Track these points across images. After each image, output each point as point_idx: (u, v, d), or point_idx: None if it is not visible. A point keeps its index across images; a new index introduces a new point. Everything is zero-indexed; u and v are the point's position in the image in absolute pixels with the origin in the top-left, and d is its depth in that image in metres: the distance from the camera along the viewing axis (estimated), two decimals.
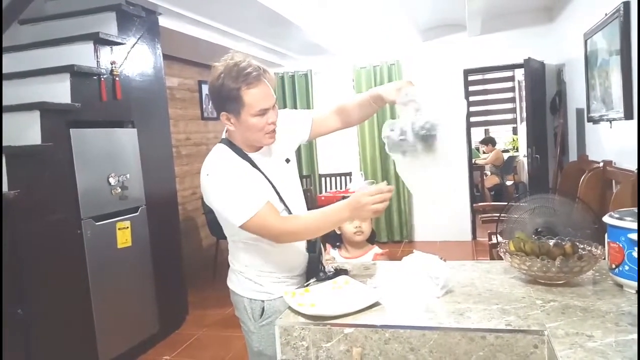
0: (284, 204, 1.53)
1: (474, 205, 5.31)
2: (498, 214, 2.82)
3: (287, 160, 1.62)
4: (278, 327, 1.22)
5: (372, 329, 1.13)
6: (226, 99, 1.41)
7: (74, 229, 2.69)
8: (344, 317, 1.19)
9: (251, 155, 1.52)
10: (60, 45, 2.96)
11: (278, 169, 1.57)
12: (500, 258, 1.45)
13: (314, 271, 1.57)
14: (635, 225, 1.18)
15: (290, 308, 1.28)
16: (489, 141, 8.18)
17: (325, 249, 1.95)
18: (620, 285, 1.24)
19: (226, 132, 1.56)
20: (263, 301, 1.56)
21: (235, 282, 1.61)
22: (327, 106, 1.70)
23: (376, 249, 2.04)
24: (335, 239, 2.04)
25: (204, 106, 5.35)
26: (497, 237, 2.94)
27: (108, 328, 2.84)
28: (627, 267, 1.20)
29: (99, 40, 2.93)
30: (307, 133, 1.68)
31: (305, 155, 5.95)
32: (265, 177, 1.51)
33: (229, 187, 1.43)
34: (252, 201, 1.40)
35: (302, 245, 1.59)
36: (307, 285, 1.46)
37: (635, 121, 2.77)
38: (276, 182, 1.53)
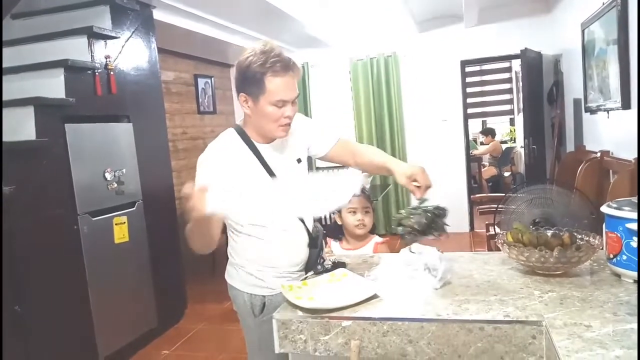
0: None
1: (472, 196, 5.31)
2: (495, 205, 2.82)
3: (299, 160, 1.61)
4: (276, 320, 1.21)
5: (370, 321, 1.13)
6: (249, 81, 1.41)
7: (71, 224, 2.68)
8: (343, 309, 1.19)
9: (260, 146, 1.51)
10: (54, 40, 2.93)
11: (286, 165, 1.55)
12: (498, 249, 1.45)
13: (313, 266, 1.56)
14: (633, 215, 1.17)
15: (288, 302, 1.27)
16: (488, 132, 8.17)
17: (326, 243, 1.95)
18: (618, 275, 1.24)
19: (242, 119, 1.56)
20: (264, 296, 1.54)
21: (234, 276, 1.59)
22: (358, 143, 1.75)
23: (376, 239, 2.07)
24: (336, 231, 2.05)
25: (200, 100, 5.32)
26: (494, 229, 2.94)
27: (106, 323, 2.84)
28: (624, 257, 1.19)
29: (93, 34, 2.90)
30: (327, 148, 1.67)
31: None
32: (269, 169, 1.49)
33: (202, 174, 1.45)
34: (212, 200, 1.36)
35: (304, 240, 1.58)
36: (304, 279, 1.46)
37: (633, 111, 2.77)
38: (279, 174, 1.51)
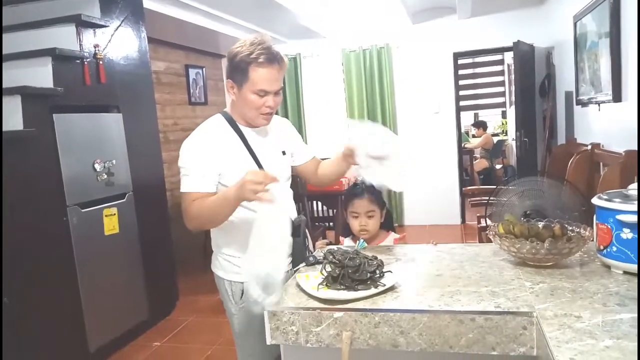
0: None
1: (463, 189, 5.33)
2: (487, 198, 2.83)
3: (284, 153, 1.69)
4: (267, 312, 1.21)
5: (362, 312, 1.13)
6: (235, 69, 1.50)
7: (60, 216, 2.64)
8: (359, 300, 1.17)
9: (244, 128, 1.59)
10: (41, 28, 2.87)
11: (269, 151, 1.63)
12: (490, 241, 1.46)
13: (300, 255, 1.58)
14: (623, 207, 1.18)
15: (303, 291, 1.26)
16: (480, 125, 8.20)
17: (338, 240, 1.95)
18: (608, 266, 1.25)
19: (230, 105, 1.64)
20: (242, 283, 1.59)
21: (217, 264, 1.66)
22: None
23: (393, 235, 1.90)
24: (346, 230, 1.94)
25: (192, 91, 5.27)
26: (486, 221, 2.95)
27: (97, 315, 2.82)
28: (614, 249, 1.20)
29: (81, 23, 2.85)
30: (302, 161, 1.79)
31: None
32: (252, 152, 1.57)
33: (191, 155, 1.52)
34: (196, 180, 1.50)
35: (285, 229, 1.62)
36: (296, 270, 1.45)
37: (623, 103, 2.78)
38: (263, 160, 1.58)
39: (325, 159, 1.83)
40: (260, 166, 1.56)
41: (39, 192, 2.53)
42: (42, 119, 2.58)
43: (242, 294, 1.59)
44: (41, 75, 2.66)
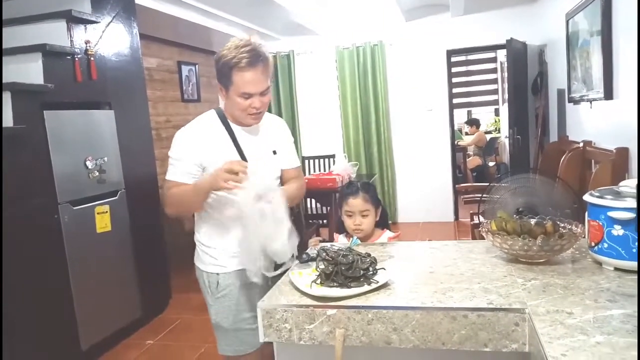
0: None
1: (457, 186, 5.35)
2: (480, 195, 2.84)
3: (274, 152, 1.72)
4: (260, 309, 1.20)
5: (355, 310, 1.13)
6: (221, 73, 1.56)
7: (51, 213, 2.62)
8: (353, 297, 1.17)
9: (235, 126, 1.65)
10: (31, 23, 2.84)
11: (258, 149, 1.67)
12: (482, 238, 1.46)
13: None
14: (614, 204, 1.19)
15: (296, 288, 1.26)
16: (473, 122, 8.24)
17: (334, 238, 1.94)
18: (599, 263, 1.26)
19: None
20: (218, 274, 1.65)
21: (197, 256, 1.73)
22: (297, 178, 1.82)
23: (388, 233, 1.90)
24: (340, 227, 1.93)
25: (184, 88, 5.24)
26: (479, 218, 2.96)
27: (89, 314, 2.80)
28: (606, 245, 1.21)
29: (72, 19, 2.82)
30: (286, 166, 1.78)
31: None
32: (239, 149, 1.62)
33: (178, 147, 1.61)
34: (179, 171, 1.59)
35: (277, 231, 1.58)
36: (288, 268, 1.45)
37: (615, 101, 2.80)
38: (250, 157, 1.62)
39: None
40: (246, 160, 1.60)
41: (29, 189, 2.50)
42: (32, 116, 2.55)
43: (218, 284, 1.66)
44: (31, 72, 2.63)
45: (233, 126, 1.64)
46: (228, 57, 1.51)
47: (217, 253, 1.67)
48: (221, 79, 1.57)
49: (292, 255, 1.53)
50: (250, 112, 1.58)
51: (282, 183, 1.78)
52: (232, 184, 1.43)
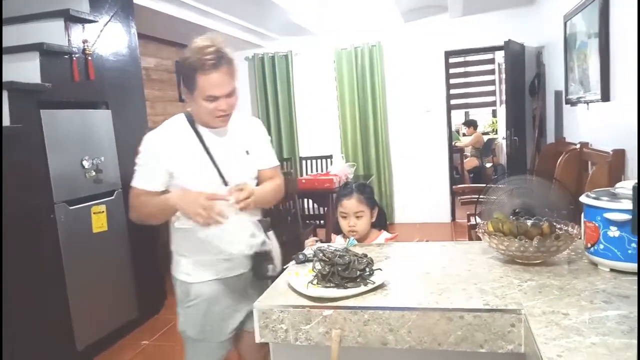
0: (222, 180, 1.58)
1: (454, 187, 5.35)
2: (477, 196, 2.84)
3: (247, 152, 1.67)
4: (256, 310, 1.20)
5: (352, 310, 1.13)
6: (184, 77, 1.52)
7: (47, 213, 2.61)
8: (349, 298, 1.17)
9: (203, 129, 1.60)
10: (29, 22, 2.84)
11: (229, 151, 1.62)
12: (479, 239, 1.46)
13: (259, 258, 1.57)
14: (611, 205, 1.19)
15: (292, 289, 1.25)
16: (471, 124, 8.26)
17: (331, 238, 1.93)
18: (595, 264, 1.26)
19: None
20: (190, 283, 1.63)
21: (172, 264, 1.70)
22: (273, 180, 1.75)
23: (385, 234, 1.88)
24: (337, 228, 1.92)
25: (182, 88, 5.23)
26: (475, 218, 2.97)
27: (85, 314, 2.79)
28: (602, 246, 1.21)
29: (70, 18, 2.82)
30: (260, 167, 1.73)
31: (286, 138, 5.90)
32: (209, 152, 1.58)
33: (144, 152, 1.59)
34: (144, 177, 1.57)
35: (236, 231, 1.55)
36: (284, 268, 1.45)
37: (612, 102, 2.81)
38: (220, 160, 1.58)
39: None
40: (216, 166, 1.57)
41: (26, 189, 2.50)
42: (29, 115, 2.54)
43: (189, 294, 1.63)
44: (28, 71, 2.62)
45: (201, 129, 1.60)
46: (191, 60, 1.47)
47: (189, 262, 1.64)
48: (186, 83, 1.53)
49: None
50: (218, 115, 1.54)
51: (259, 184, 1.73)
52: (205, 220, 1.40)
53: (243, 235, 1.53)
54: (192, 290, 1.63)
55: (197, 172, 1.57)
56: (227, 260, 1.61)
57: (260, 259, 1.59)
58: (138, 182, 1.58)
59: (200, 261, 1.62)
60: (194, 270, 1.64)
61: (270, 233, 1.69)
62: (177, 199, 1.48)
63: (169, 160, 1.56)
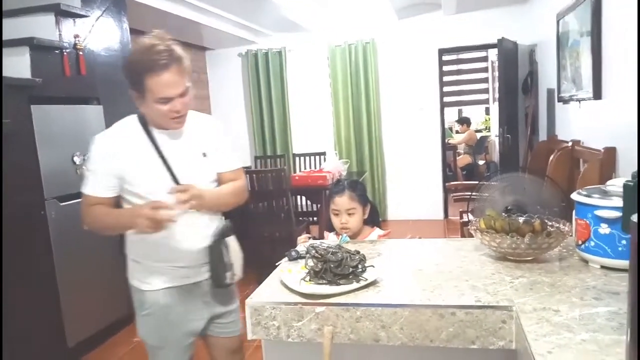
0: (177, 184, 1.49)
1: (447, 184, 5.38)
2: (469, 193, 2.86)
3: (204, 154, 1.58)
4: (248, 307, 1.20)
5: (344, 307, 1.13)
6: (133, 79, 1.42)
7: (38, 209, 2.59)
8: (342, 295, 1.17)
9: (156, 131, 1.52)
10: (19, 17, 2.80)
11: (185, 154, 1.54)
12: (471, 236, 1.46)
13: (217, 266, 1.55)
14: (602, 203, 1.20)
15: (284, 285, 1.25)
16: (464, 121, 8.29)
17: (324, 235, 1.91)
18: (586, 261, 1.27)
19: None
20: (143, 291, 1.57)
21: (127, 269, 1.63)
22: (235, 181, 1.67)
23: (377, 231, 1.88)
24: (330, 225, 1.92)
25: None
26: (468, 216, 2.98)
27: (76, 311, 2.77)
28: (592, 243, 1.22)
29: (61, 12, 2.79)
30: (220, 170, 1.64)
31: (280, 135, 5.89)
32: (161, 155, 1.50)
33: (93, 157, 1.50)
34: (94, 184, 1.49)
35: (191, 238, 1.55)
36: (277, 265, 1.44)
37: (603, 101, 2.83)
38: (174, 163, 1.50)
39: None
40: (170, 170, 1.49)
41: (16, 185, 2.47)
42: (19, 111, 2.52)
43: (143, 302, 1.57)
44: (19, 66, 2.60)
45: (155, 132, 1.51)
46: (138, 61, 1.39)
47: (143, 269, 1.57)
48: (134, 86, 1.42)
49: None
50: (172, 117, 1.45)
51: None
52: (154, 230, 1.35)
53: (193, 231, 1.51)
54: (146, 299, 1.56)
55: (149, 177, 1.48)
56: (183, 267, 1.56)
57: (218, 267, 1.54)
58: (90, 189, 1.49)
59: (153, 267, 1.55)
60: (148, 277, 1.56)
61: (232, 238, 1.62)
62: (129, 216, 1.43)
63: (119, 165, 1.47)
